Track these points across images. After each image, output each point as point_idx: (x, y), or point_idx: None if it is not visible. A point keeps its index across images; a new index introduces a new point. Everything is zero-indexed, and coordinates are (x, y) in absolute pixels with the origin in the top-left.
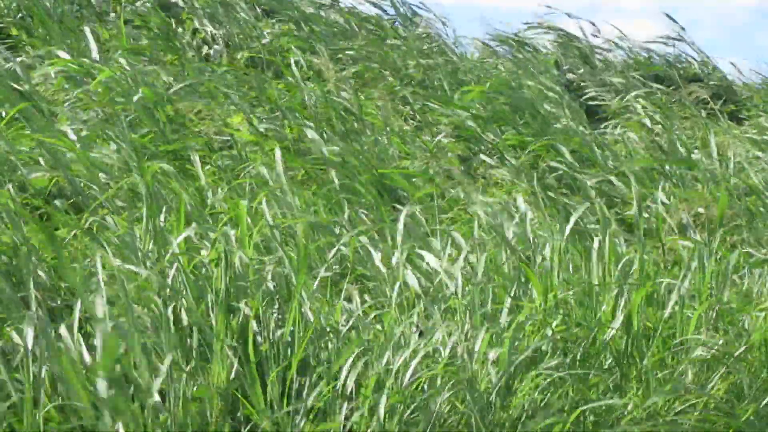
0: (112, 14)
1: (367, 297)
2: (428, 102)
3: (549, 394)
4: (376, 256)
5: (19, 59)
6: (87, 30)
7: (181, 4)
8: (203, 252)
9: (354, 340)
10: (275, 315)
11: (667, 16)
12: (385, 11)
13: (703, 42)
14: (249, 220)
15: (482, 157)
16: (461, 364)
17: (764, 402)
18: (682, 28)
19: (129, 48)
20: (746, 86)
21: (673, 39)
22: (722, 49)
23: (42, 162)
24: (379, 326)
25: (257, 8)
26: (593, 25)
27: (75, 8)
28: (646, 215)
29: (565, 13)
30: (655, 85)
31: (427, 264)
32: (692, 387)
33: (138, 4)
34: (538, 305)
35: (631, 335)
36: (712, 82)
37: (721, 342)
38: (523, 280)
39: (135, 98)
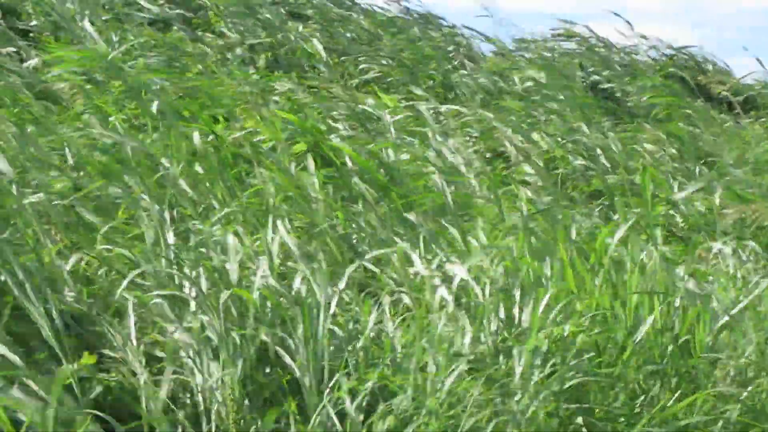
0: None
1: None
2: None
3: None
4: (415, 265)
5: (35, 60)
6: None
7: (208, 4)
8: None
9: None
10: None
11: None
12: (408, 12)
13: (723, 42)
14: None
15: (511, 150)
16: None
17: None
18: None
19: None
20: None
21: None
22: (742, 49)
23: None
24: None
25: (282, 11)
26: (628, 23)
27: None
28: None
29: (613, 13)
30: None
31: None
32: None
33: (160, 3)
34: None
35: (678, 342)
36: (733, 83)
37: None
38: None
39: (154, 105)
